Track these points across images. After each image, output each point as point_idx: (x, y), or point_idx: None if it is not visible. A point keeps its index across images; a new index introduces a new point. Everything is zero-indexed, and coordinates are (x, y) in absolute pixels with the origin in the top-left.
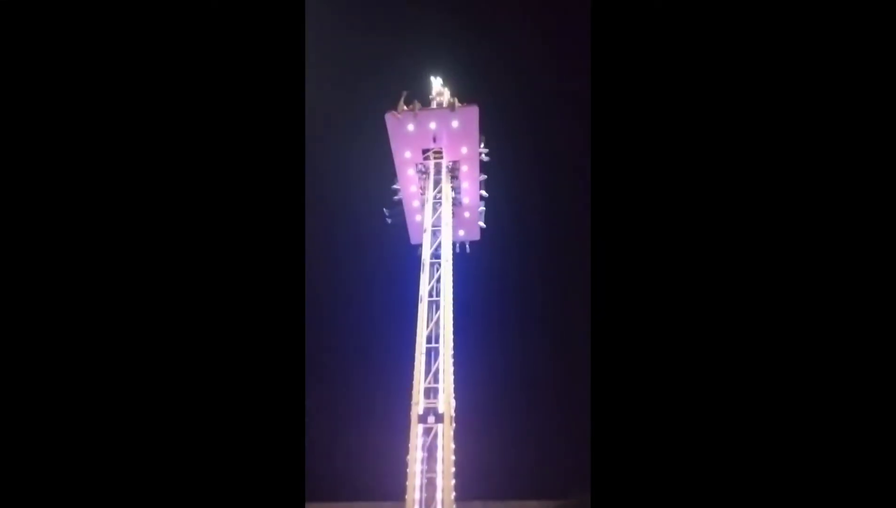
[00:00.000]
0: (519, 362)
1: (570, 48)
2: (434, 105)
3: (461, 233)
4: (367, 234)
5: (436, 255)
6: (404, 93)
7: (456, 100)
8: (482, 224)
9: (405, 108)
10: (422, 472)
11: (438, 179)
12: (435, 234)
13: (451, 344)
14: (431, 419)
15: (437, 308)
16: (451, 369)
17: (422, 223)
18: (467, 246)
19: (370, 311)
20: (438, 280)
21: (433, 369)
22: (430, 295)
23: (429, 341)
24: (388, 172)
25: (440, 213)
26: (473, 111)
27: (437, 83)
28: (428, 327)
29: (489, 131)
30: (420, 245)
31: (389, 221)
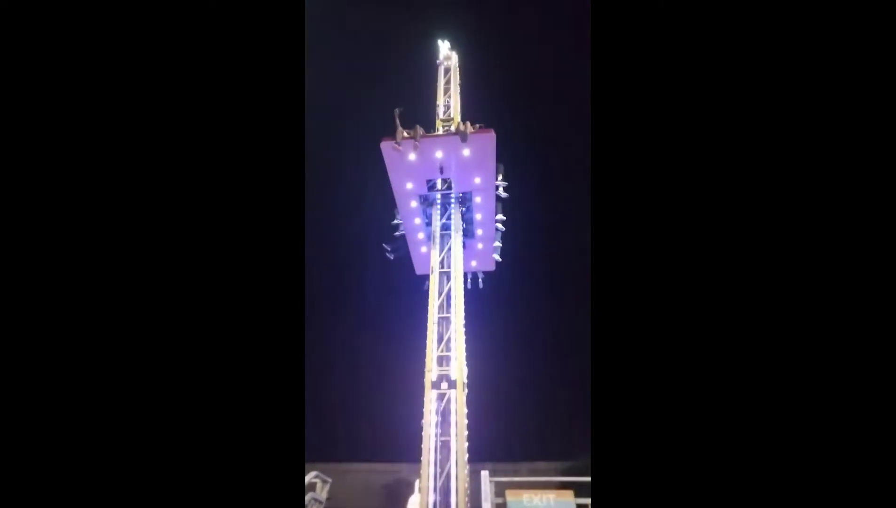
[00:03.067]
0: (528, 330)
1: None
2: (441, 87)
3: (473, 264)
4: (384, 205)
5: (445, 227)
6: (397, 111)
7: (468, 124)
8: (498, 258)
9: (405, 134)
10: (436, 436)
11: (447, 211)
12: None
13: (463, 313)
14: (444, 385)
15: (449, 279)
16: (463, 337)
17: (428, 255)
18: (480, 279)
19: (386, 283)
20: (449, 250)
21: (445, 337)
22: (441, 266)
23: (441, 310)
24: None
25: (449, 245)
26: (488, 139)
27: (444, 47)
28: (439, 297)
29: (498, 93)
30: (426, 276)
31: (391, 256)
